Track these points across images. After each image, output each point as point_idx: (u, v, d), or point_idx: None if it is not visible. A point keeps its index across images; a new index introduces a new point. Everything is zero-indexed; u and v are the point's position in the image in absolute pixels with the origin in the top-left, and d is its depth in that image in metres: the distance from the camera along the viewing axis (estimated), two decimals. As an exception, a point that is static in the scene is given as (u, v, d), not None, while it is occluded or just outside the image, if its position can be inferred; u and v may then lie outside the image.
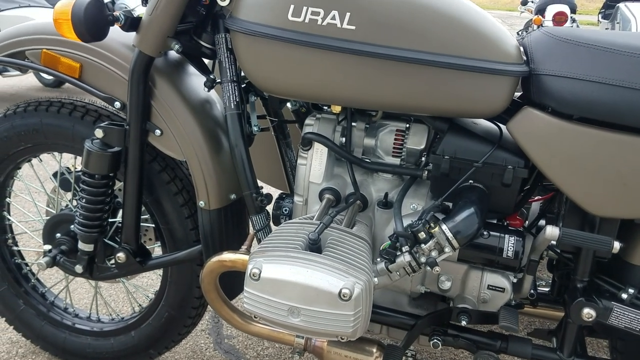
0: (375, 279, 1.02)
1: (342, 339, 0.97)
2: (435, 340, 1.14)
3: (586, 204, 0.98)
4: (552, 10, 5.33)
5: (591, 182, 0.96)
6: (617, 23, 4.99)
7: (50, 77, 1.33)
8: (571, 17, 5.34)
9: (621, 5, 4.99)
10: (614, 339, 1.16)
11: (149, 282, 2.07)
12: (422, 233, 0.99)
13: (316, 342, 1.21)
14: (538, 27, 5.44)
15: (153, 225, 1.44)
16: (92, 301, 1.65)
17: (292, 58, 1.02)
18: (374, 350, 1.16)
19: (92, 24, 1.07)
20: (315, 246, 0.98)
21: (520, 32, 6.07)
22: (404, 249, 1.00)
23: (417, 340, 1.24)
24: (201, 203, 1.26)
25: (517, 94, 1.12)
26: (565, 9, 5.32)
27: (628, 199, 0.95)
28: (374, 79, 1.00)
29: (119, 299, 1.95)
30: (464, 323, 1.10)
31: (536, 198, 1.23)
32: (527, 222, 1.21)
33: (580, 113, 0.94)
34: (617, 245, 0.95)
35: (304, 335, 0.99)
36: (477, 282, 1.14)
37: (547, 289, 1.32)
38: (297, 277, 0.93)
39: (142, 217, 1.42)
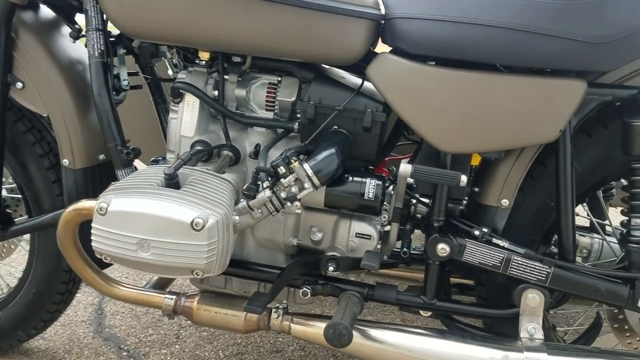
0: (237, 217, 1.01)
1: (198, 274, 0.94)
2: (304, 289, 1.13)
3: (437, 141, 1.02)
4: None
5: (440, 119, 1.01)
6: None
7: None
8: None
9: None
10: (478, 286, 1.21)
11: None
12: (282, 168, 0.99)
13: (185, 302, 1.17)
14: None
15: (21, 196, 1.35)
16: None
17: (153, -3, 1.01)
18: (244, 304, 1.13)
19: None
20: (171, 182, 0.96)
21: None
22: (264, 185, 1.00)
23: (294, 298, 1.23)
24: (65, 161, 1.20)
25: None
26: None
27: (474, 134, 1.01)
28: (236, 17, 1.01)
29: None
30: (331, 269, 1.10)
31: (405, 156, 1.28)
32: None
33: (427, 52, 1.00)
34: (464, 178, 1.00)
35: (155, 273, 0.95)
36: (346, 230, 1.15)
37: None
38: (147, 209, 0.90)
39: (10, 187, 1.34)
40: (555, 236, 1.11)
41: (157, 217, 0.89)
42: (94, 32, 1.13)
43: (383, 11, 1.04)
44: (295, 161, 1.00)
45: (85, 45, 1.17)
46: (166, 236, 0.90)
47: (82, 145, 1.20)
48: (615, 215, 1.37)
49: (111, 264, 1.30)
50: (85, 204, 1.05)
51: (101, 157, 1.24)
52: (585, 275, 1.05)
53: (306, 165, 1.01)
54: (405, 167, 1.02)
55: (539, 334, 1.04)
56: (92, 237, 0.93)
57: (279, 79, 1.17)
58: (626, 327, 1.17)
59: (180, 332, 1.62)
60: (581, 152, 1.06)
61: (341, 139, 1.08)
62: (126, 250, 0.91)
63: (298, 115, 1.14)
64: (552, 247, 1.17)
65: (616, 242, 1.24)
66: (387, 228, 1.16)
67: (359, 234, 1.15)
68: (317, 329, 1.09)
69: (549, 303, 1.06)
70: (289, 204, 1.01)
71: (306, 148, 1.08)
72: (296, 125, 1.14)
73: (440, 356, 1.03)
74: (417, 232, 1.24)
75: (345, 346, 1.01)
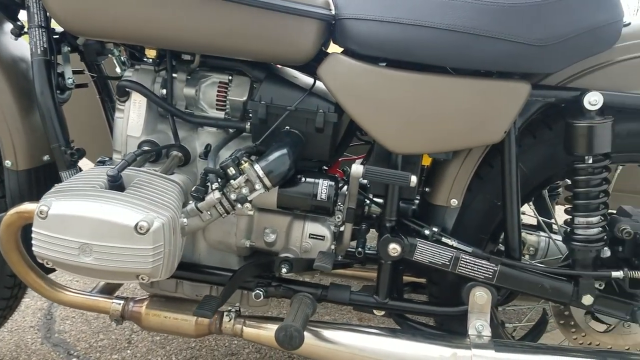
0: (185, 220, 0.99)
1: (144, 279, 0.91)
2: (257, 291, 1.12)
3: (387, 142, 1.03)
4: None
5: (390, 120, 1.01)
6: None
7: None
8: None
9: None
10: (429, 284, 1.22)
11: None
12: (232, 168, 0.98)
13: (133, 307, 1.14)
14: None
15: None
16: None
17: (96, -8, 0.98)
18: (195, 308, 1.11)
19: None
20: (115, 184, 0.93)
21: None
22: (213, 186, 0.98)
23: (247, 301, 1.22)
24: (7, 163, 1.15)
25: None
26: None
27: (422, 134, 1.01)
28: (183, 15, 0.99)
29: None
30: (284, 271, 1.09)
31: (359, 156, 1.28)
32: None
33: (377, 53, 1.00)
34: (414, 179, 1.00)
35: (99, 278, 0.92)
36: (300, 231, 1.14)
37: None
38: (89, 212, 0.87)
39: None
40: (503, 235, 1.14)
41: (98, 221, 0.87)
42: (37, 29, 1.09)
43: (333, 11, 1.04)
44: (245, 162, 0.99)
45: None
46: (109, 240, 0.87)
47: (25, 145, 1.16)
48: (561, 214, 1.41)
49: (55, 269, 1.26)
50: (27, 206, 1.01)
51: (45, 158, 1.20)
52: (531, 272, 1.08)
53: (257, 166, 1.00)
54: (356, 168, 1.02)
55: (487, 331, 1.06)
56: (32, 242, 0.89)
57: (230, 77, 1.15)
58: (572, 323, 1.20)
59: (132, 337, 1.59)
60: (526, 153, 1.09)
61: (293, 139, 1.07)
62: (68, 255, 0.88)
63: (250, 115, 1.12)
64: (500, 245, 1.19)
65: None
66: (341, 228, 1.16)
67: (312, 234, 1.14)
68: (269, 331, 1.08)
69: (496, 300, 1.08)
70: (239, 205, 0.99)
71: (257, 148, 1.07)
72: (248, 125, 1.12)
73: (391, 355, 1.03)
74: (373, 231, 1.25)
75: (297, 348, 1.01)
